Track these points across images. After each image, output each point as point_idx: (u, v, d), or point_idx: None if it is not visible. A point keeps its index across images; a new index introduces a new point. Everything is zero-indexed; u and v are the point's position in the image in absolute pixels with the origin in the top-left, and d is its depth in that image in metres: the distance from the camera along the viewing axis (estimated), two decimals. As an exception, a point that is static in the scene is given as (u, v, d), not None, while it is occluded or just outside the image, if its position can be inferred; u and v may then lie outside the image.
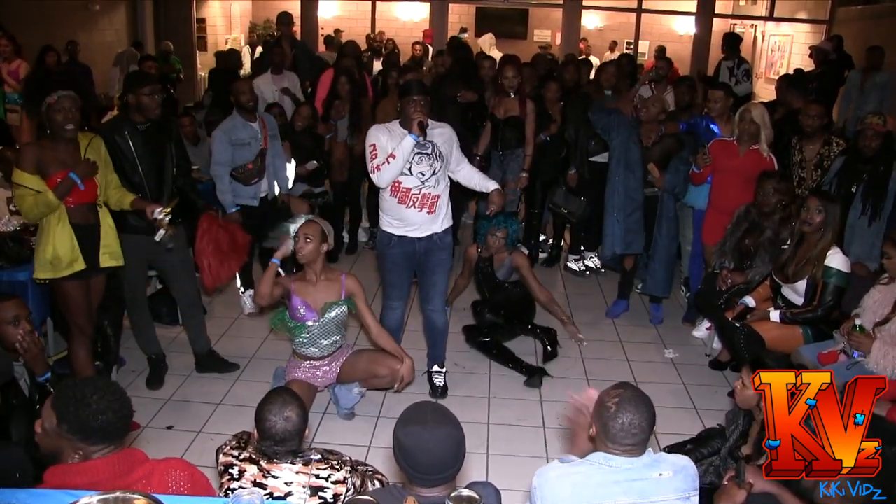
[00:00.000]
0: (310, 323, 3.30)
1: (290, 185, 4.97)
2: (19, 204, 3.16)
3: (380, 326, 3.48)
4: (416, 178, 3.44)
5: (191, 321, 3.96)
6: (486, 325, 4.27)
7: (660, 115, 4.57)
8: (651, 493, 1.84)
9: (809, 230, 3.56)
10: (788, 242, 3.77)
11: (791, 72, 7.73)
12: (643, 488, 1.84)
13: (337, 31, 12.57)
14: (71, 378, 1.93)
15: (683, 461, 1.95)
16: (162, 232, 3.23)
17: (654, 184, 4.50)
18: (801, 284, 3.59)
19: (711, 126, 4.75)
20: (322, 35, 11.97)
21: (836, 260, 3.50)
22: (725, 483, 2.18)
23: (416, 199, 3.47)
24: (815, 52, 7.86)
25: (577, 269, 5.65)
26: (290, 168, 5.04)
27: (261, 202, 4.56)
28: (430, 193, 3.49)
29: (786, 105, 5.42)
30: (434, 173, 3.46)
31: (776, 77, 8.35)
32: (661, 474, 1.86)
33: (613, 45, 12.88)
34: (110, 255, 3.34)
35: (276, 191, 4.75)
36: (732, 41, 7.87)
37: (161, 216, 3.20)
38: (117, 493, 1.57)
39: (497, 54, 8.10)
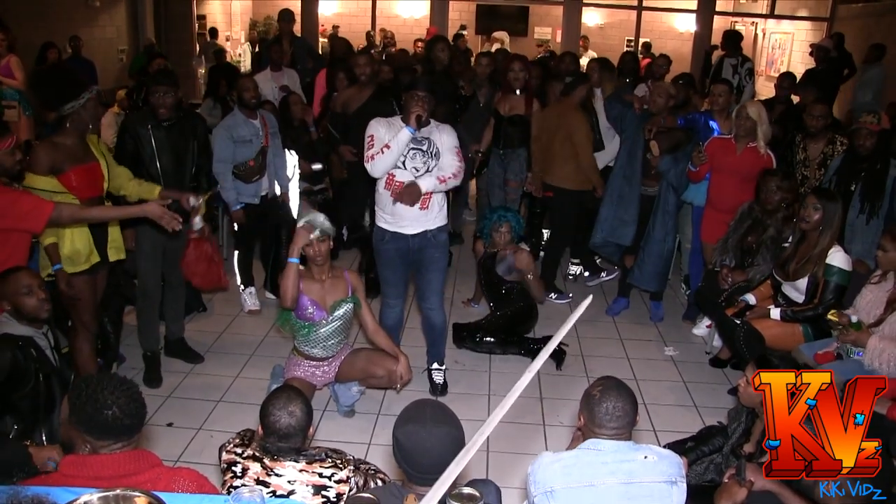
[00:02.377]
0: (321, 322, 3.30)
1: (290, 181, 4.96)
2: None
3: (377, 324, 3.49)
4: (410, 173, 3.44)
5: (172, 304, 4.04)
6: (483, 347, 4.25)
7: (668, 102, 4.56)
8: (638, 474, 1.90)
9: (808, 228, 3.56)
10: (790, 240, 3.77)
11: (790, 70, 7.72)
12: (630, 469, 1.90)
13: (334, 28, 12.54)
14: (89, 375, 1.95)
15: (666, 451, 2.02)
16: (198, 219, 3.29)
17: (651, 161, 4.48)
18: (802, 282, 3.59)
19: (710, 123, 4.74)
20: (322, 32, 11.94)
21: (837, 258, 3.51)
22: (726, 481, 2.19)
23: None
24: (816, 50, 7.85)
25: (574, 272, 5.60)
26: (292, 160, 5.01)
27: (262, 200, 4.56)
28: None
29: (801, 102, 5.42)
30: (428, 170, 3.46)
31: (776, 75, 8.34)
32: (646, 457, 1.93)
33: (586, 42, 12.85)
34: (116, 248, 3.46)
35: (277, 190, 4.75)
36: (734, 39, 7.85)
37: (197, 203, 3.26)
38: (118, 491, 1.56)
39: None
